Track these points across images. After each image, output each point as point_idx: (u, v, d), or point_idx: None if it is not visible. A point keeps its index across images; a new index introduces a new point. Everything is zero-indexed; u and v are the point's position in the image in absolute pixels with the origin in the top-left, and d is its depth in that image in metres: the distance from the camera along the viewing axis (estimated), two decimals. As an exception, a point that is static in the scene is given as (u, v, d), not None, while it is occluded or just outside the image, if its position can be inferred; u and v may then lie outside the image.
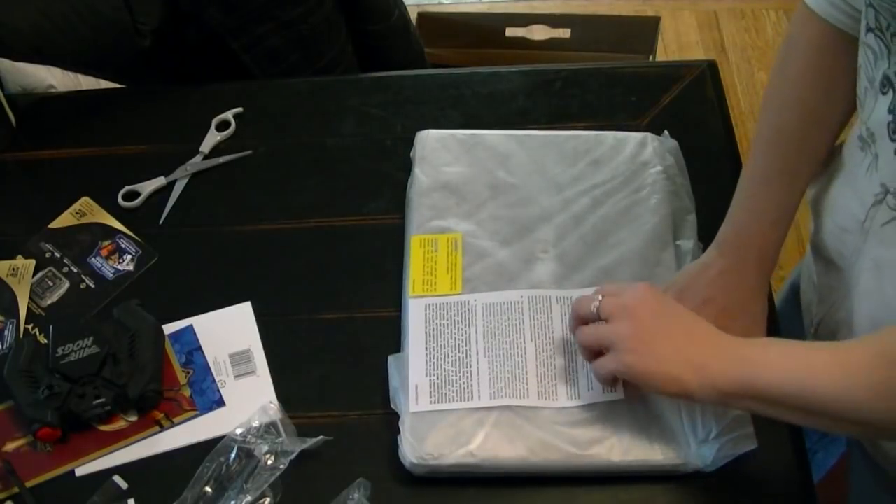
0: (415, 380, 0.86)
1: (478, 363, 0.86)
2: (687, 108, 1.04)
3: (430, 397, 0.85)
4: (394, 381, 0.87)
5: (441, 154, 1.00)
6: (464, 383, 0.85)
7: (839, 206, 0.79)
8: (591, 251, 0.93)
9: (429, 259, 0.93)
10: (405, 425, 0.84)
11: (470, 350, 0.87)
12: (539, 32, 1.82)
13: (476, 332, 0.88)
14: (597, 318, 0.77)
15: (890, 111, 0.68)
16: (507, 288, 0.91)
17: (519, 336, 0.88)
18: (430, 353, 0.87)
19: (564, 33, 1.81)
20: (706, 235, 0.96)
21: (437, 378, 0.86)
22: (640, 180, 0.98)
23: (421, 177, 0.99)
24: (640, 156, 0.99)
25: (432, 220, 0.96)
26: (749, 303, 0.84)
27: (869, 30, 0.69)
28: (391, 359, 0.88)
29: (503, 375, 0.85)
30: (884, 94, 0.68)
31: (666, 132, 1.02)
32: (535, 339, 0.87)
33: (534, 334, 0.88)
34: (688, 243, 0.94)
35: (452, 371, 0.86)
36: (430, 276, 0.92)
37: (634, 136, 1.01)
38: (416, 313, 0.90)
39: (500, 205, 0.97)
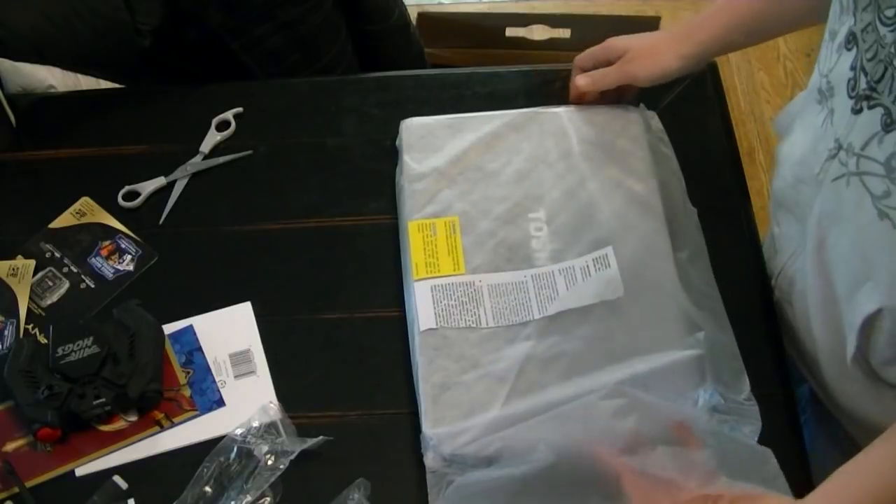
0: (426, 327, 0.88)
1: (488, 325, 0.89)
2: (687, 108, 1.04)
3: (437, 318, 0.88)
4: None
5: (429, 140, 1.01)
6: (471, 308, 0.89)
7: (798, 157, 0.81)
8: (585, 225, 0.94)
9: (429, 243, 0.94)
10: (423, 408, 0.85)
11: (480, 328, 0.88)
12: (539, 32, 1.82)
13: (485, 313, 0.89)
14: None
15: (852, 68, 0.69)
16: (507, 266, 0.92)
17: (527, 314, 0.88)
18: (441, 329, 0.88)
19: (564, 33, 1.81)
20: (704, 239, 0.97)
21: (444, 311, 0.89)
22: (627, 151, 0.98)
23: (411, 163, 0.99)
24: (625, 127, 1.00)
25: (427, 206, 0.96)
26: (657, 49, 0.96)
27: None
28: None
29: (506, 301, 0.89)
30: (848, 49, 0.69)
31: (642, 105, 1.03)
32: (542, 312, 0.88)
33: (541, 309, 0.88)
34: (685, 210, 0.96)
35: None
36: (433, 258, 0.93)
37: (616, 109, 1.02)
38: (423, 295, 0.90)
39: (492, 185, 0.97)
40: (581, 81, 0.99)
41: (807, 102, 0.79)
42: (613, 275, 0.89)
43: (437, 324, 0.88)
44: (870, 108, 0.67)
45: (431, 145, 1.01)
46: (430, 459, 0.83)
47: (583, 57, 1.01)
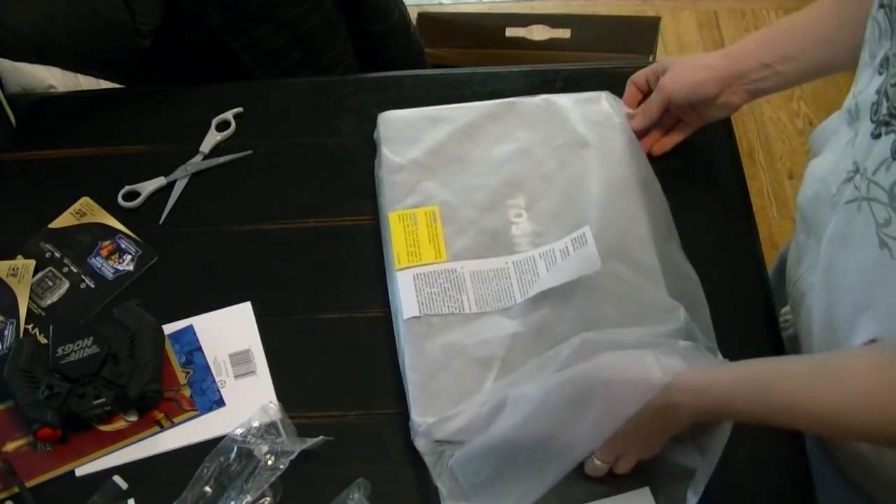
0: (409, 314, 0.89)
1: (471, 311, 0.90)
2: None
3: (420, 306, 0.89)
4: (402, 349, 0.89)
5: (407, 132, 1.02)
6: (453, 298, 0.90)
7: (820, 175, 0.80)
8: (565, 210, 0.95)
9: (410, 232, 0.95)
10: (411, 393, 0.85)
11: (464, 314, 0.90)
12: (539, 32, 1.82)
13: (468, 299, 0.90)
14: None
15: (877, 92, 0.69)
16: (488, 253, 0.93)
17: (510, 299, 0.90)
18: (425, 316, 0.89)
19: (564, 33, 1.81)
20: (702, 238, 0.97)
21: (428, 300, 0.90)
22: (604, 137, 1.00)
23: (389, 155, 1.00)
24: (598, 112, 1.02)
25: (408, 196, 0.97)
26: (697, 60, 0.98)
27: (881, 6, 0.70)
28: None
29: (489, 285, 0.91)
30: (880, 74, 0.69)
31: (612, 94, 1.04)
32: (524, 296, 0.89)
33: (523, 293, 0.90)
34: (656, 195, 0.97)
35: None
36: (414, 247, 0.94)
37: (589, 95, 1.04)
38: (405, 284, 0.91)
39: (471, 174, 0.99)
40: (635, 124, 1.01)
41: (840, 122, 0.79)
42: (591, 251, 0.90)
43: (420, 311, 0.89)
44: (886, 134, 0.67)
45: (410, 137, 1.02)
46: (421, 445, 0.84)
47: (638, 75, 1.03)
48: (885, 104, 0.67)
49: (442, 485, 0.82)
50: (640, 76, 1.03)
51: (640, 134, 1.02)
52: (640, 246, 0.92)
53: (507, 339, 0.87)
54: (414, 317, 0.89)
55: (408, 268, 0.92)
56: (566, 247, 0.91)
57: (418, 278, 0.91)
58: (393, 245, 0.94)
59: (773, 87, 0.94)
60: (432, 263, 0.92)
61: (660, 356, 0.74)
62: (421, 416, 0.84)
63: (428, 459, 0.83)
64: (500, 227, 0.95)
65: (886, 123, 0.67)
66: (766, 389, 0.70)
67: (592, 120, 1.01)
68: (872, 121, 0.69)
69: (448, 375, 0.86)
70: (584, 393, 0.76)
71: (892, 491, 0.81)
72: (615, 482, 0.82)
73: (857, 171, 0.71)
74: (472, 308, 0.90)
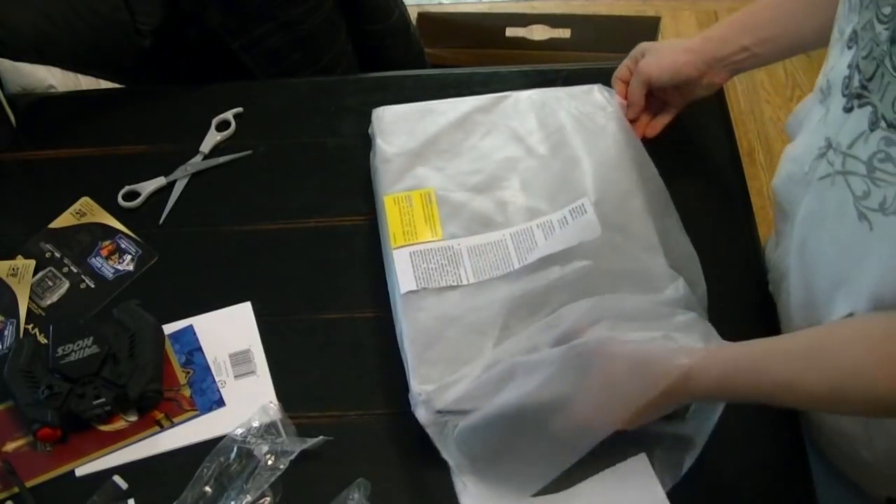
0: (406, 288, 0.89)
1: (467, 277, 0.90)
2: (686, 108, 1.04)
3: (417, 280, 0.89)
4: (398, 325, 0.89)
5: (400, 125, 1.03)
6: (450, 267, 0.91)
7: (793, 156, 0.81)
8: (559, 190, 0.95)
9: (405, 213, 0.95)
10: (411, 364, 0.85)
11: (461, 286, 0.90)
12: (539, 32, 1.83)
13: (465, 272, 0.90)
14: None
15: (849, 66, 0.69)
16: (485, 231, 0.93)
17: (508, 266, 0.90)
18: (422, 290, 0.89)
19: (564, 33, 1.81)
20: (702, 238, 0.97)
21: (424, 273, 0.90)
22: (597, 120, 1.01)
23: (383, 146, 1.01)
24: (591, 102, 1.04)
25: (402, 181, 0.98)
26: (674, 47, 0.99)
27: None
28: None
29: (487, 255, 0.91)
30: (849, 48, 0.70)
31: (604, 87, 1.06)
32: (521, 263, 0.90)
33: (521, 260, 0.90)
34: (652, 176, 0.98)
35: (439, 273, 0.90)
36: (410, 227, 0.94)
37: (581, 88, 1.05)
38: (402, 261, 0.91)
39: (465, 161, 1.00)
40: (630, 115, 1.03)
41: (813, 103, 0.80)
42: (591, 219, 0.90)
43: (417, 285, 0.89)
44: (860, 106, 0.67)
45: (404, 130, 1.02)
46: (422, 416, 0.83)
47: (619, 69, 1.04)
48: (856, 77, 0.67)
49: (449, 457, 0.82)
50: (621, 69, 1.04)
51: (630, 123, 1.03)
52: (638, 220, 0.93)
53: (506, 305, 0.87)
54: (411, 291, 0.89)
55: (404, 246, 0.93)
56: (565, 217, 0.92)
57: (415, 255, 0.92)
58: (389, 226, 0.94)
59: (752, 66, 0.96)
60: (428, 241, 0.93)
61: (679, 337, 0.74)
62: (420, 385, 0.84)
63: (430, 431, 0.82)
64: (494, 207, 0.95)
65: (859, 96, 0.67)
66: (760, 369, 0.70)
67: (585, 110, 1.03)
68: (844, 94, 0.69)
69: (446, 343, 0.86)
70: (598, 369, 0.75)
71: (885, 482, 0.81)
72: (612, 457, 0.82)
73: (829, 146, 0.71)
74: (469, 280, 0.90)
